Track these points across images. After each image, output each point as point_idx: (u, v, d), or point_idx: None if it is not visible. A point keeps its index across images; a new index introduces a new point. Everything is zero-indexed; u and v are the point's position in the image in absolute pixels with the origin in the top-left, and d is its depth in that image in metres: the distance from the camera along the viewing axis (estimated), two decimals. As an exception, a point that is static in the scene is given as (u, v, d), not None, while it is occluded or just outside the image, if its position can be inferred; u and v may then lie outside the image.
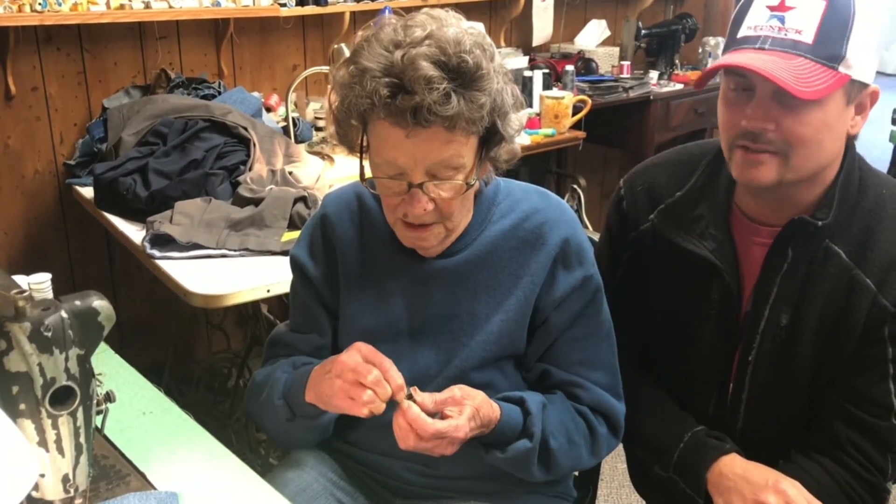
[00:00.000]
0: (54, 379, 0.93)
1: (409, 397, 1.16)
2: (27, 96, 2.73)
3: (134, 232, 2.19)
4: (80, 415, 0.97)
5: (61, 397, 0.95)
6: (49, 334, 0.92)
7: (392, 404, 1.18)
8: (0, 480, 0.77)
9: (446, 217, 1.22)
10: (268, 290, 1.90)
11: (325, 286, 1.37)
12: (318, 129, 3.07)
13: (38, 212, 2.84)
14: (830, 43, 1.14)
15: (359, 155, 1.24)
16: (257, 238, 2.08)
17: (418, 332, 1.33)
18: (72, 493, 1.00)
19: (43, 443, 0.96)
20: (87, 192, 2.50)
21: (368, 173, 1.24)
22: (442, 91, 1.09)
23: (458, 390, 1.21)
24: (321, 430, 1.36)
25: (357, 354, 1.19)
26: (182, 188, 2.21)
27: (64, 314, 0.94)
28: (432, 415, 1.17)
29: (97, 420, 1.05)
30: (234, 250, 2.05)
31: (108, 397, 1.05)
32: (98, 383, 1.01)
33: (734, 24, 1.22)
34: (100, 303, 0.98)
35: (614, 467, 2.82)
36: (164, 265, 1.99)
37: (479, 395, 1.22)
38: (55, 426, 0.95)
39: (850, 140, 1.26)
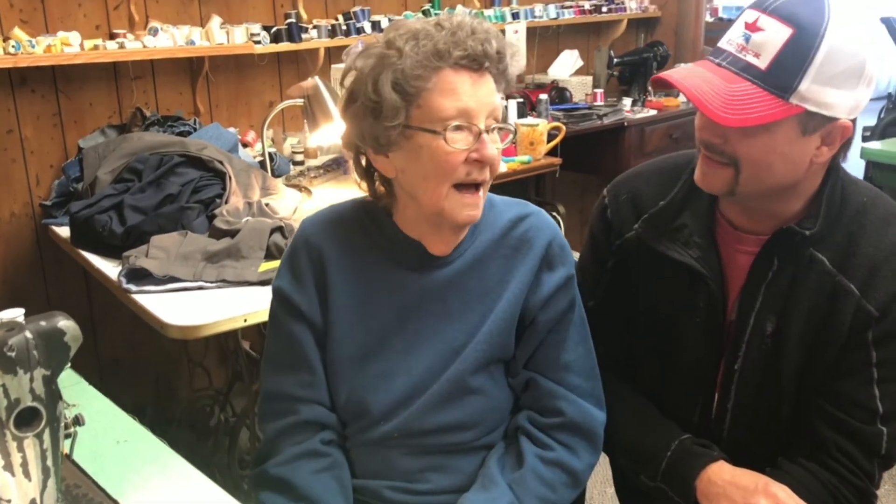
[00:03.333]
0: (18, 400, 0.92)
1: None
2: (2, 139, 2.73)
3: (110, 268, 2.17)
4: (46, 437, 0.95)
5: (27, 419, 0.94)
6: (13, 354, 0.91)
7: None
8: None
9: (492, 175, 1.27)
10: (245, 320, 1.89)
11: (313, 311, 1.34)
12: (296, 163, 3.09)
13: (15, 255, 2.82)
14: (783, 73, 1.14)
15: (399, 135, 1.22)
16: (234, 269, 2.07)
17: (412, 345, 1.33)
18: (40, 519, 0.98)
19: (8, 466, 0.94)
20: (64, 231, 2.49)
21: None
22: (494, 38, 1.22)
23: None
24: None
25: None
26: (158, 222, 2.21)
27: (28, 334, 0.93)
28: None
29: (66, 445, 1.03)
30: (211, 282, 2.04)
31: (77, 420, 1.03)
32: (66, 405, 1.00)
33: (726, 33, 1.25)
34: (65, 323, 0.97)
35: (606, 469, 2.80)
36: (141, 299, 1.97)
37: None
38: (21, 449, 0.94)
39: (835, 160, 1.26)
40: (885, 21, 3.76)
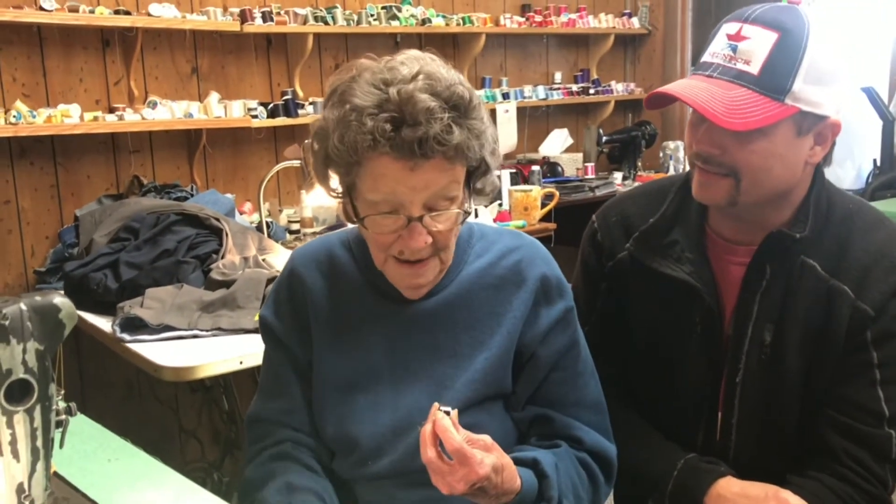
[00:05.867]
0: (10, 371, 0.89)
1: (447, 414, 1.09)
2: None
3: (103, 323, 2.15)
4: (37, 415, 0.92)
5: (17, 394, 0.91)
6: (6, 322, 0.88)
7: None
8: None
9: (442, 249, 1.20)
10: (240, 362, 1.86)
11: (295, 343, 1.32)
12: (292, 232, 3.10)
13: (7, 325, 2.78)
14: (776, 76, 1.18)
15: (344, 196, 1.22)
16: (230, 318, 2.05)
17: (400, 379, 1.28)
18: (26, 508, 0.93)
19: (-4, 444, 0.90)
20: (58, 295, 2.46)
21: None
22: (445, 121, 1.10)
23: (490, 439, 1.14)
24: None
25: None
26: (153, 276, 2.20)
27: (23, 306, 0.91)
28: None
29: (56, 435, 0.99)
30: (206, 330, 2.02)
31: (69, 410, 0.99)
32: (59, 390, 0.96)
33: (704, 49, 1.28)
34: (61, 300, 0.95)
35: None
36: (135, 347, 1.94)
37: (507, 457, 1.17)
38: (10, 425, 0.90)
39: (819, 167, 1.29)
40: (866, 91, 3.86)
